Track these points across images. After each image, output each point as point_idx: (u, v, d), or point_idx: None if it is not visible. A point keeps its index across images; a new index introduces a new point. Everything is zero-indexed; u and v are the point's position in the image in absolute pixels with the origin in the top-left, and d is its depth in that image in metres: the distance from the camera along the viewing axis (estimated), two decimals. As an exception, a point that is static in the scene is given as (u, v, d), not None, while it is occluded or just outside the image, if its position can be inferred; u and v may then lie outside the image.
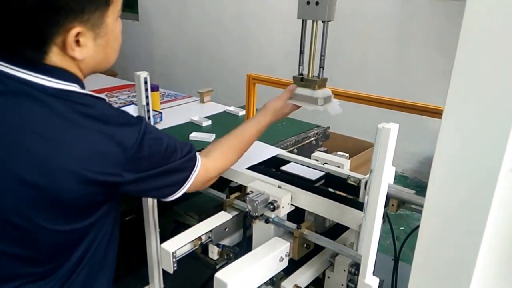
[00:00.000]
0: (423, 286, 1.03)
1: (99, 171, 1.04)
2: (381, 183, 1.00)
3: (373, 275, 1.45)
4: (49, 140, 1.02)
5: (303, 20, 1.42)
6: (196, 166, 1.26)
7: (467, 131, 0.86)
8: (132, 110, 2.82)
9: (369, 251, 1.07)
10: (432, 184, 0.94)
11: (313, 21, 1.40)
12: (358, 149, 3.66)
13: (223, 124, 2.92)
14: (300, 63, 1.48)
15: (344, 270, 1.32)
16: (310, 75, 1.46)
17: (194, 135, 2.69)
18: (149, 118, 1.44)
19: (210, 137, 2.63)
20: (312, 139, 2.80)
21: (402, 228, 3.40)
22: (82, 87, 1.11)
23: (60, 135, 1.02)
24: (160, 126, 2.85)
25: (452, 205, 0.93)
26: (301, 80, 1.47)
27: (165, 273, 1.70)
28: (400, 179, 4.54)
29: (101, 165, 1.04)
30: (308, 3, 1.35)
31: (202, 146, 2.36)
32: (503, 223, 0.91)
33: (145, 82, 1.40)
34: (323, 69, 1.44)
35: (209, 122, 2.93)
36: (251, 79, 1.90)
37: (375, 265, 1.44)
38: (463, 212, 0.92)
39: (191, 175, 1.25)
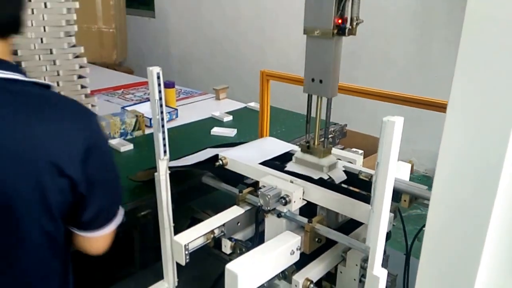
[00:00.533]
0: (431, 279, 1.04)
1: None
2: (387, 175, 1.01)
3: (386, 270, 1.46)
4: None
5: (308, 94, 1.50)
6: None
7: (471, 125, 0.86)
8: (147, 107, 2.88)
9: (377, 242, 1.08)
10: (438, 178, 0.94)
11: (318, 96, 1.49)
12: (377, 147, 3.63)
13: (244, 120, 2.95)
14: (307, 131, 1.58)
15: (356, 265, 1.32)
16: (316, 143, 1.54)
17: (216, 130, 2.73)
18: (162, 112, 1.44)
19: (231, 132, 2.66)
20: (329, 136, 2.80)
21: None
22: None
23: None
24: (177, 123, 2.87)
25: (458, 199, 0.93)
26: (307, 148, 1.54)
27: (179, 268, 1.71)
28: (422, 179, 4.50)
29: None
30: (313, 80, 1.44)
31: (223, 141, 2.41)
32: (509, 216, 0.91)
33: (158, 77, 1.41)
34: (327, 139, 1.53)
35: (230, 118, 2.98)
36: (264, 75, 1.91)
37: (387, 260, 1.45)
38: (469, 206, 0.92)
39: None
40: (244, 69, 5.46)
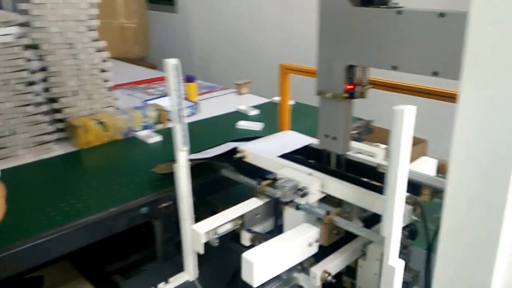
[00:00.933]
0: (448, 274, 1.03)
1: None
2: (399, 164, 1.01)
3: (408, 266, 1.45)
4: None
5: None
6: None
7: (482, 119, 0.86)
8: (167, 101, 2.89)
9: (391, 232, 1.07)
10: (452, 173, 0.94)
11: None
12: None
13: (270, 114, 2.94)
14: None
15: (377, 259, 1.31)
16: None
17: (242, 124, 2.75)
18: (180, 103, 1.45)
19: (258, 126, 2.66)
20: (354, 132, 2.75)
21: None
22: None
23: None
24: (198, 117, 2.88)
25: (472, 193, 0.93)
26: None
27: (199, 260, 1.72)
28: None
29: None
30: (327, 136, 1.49)
31: (250, 134, 2.42)
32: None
33: (176, 69, 1.42)
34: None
35: (256, 112, 2.99)
36: (284, 68, 1.90)
37: (409, 255, 1.44)
38: (482, 200, 0.92)
39: None
40: (266, 64, 5.43)
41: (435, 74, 1.21)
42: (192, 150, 1.57)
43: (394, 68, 1.27)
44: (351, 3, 1.34)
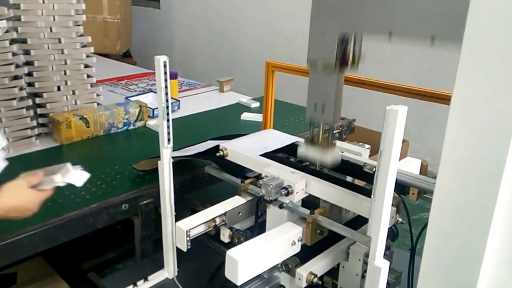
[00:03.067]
0: (433, 277, 1.04)
1: None
2: (390, 164, 1.01)
3: (390, 267, 1.46)
4: None
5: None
6: None
7: (475, 119, 0.86)
8: (151, 98, 2.87)
9: (379, 233, 1.08)
10: (441, 174, 0.94)
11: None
12: None
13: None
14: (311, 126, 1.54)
15: (359, 260, 1.32)
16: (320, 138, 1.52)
17: (245, 116, 2.83)
18: (167, 100, 1.45)
19: (260, 117, 2.70)
20: (335, 131, 2.75)
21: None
22: None
23: None
24: (178, 114, 2.87)
25: (461, 195, 0.93)
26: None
27: (179, 258, 1.72)
28: (436, 179, 4.41)
29: None
30: (316, 107, 1.47)
31: (253, 125, 2.47)
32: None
33: (165, 66, 1.41)
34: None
35: (257, 104, 3.05)
36: (270, 66, 1.89)
37: (391, 256, 1.45)
38: (472, 203, 0.92)
39: None
40: (248, 62, 5.41)
41: (433, 39, 1.14)
42: (176, 148, 1.56)
43: (390, 34, 1.21)
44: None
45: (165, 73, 1.42)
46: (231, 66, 5.48)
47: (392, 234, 1.48)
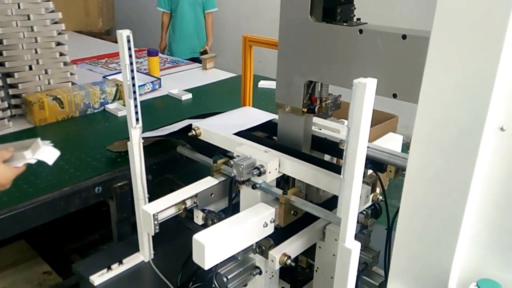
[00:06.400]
0: (407, 252, 1.00)
1: None
2: (359, 140, 0.95)
3: (367, 246, 1.41)
4: None
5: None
6: None
7: (448, 89, 0.83)
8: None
9: (348, 213, 1.02)
10: (414, 145, 0.90)
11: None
12: (376, 120, 3.50)
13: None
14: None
15: (336, 240, 1.27)
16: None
17: (263, 83, 2.91)
18: (133, 78, 1.38)
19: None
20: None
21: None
22: None
23: None
24: (161, 93, 2.81)
25: (435, 167, 0.89)
26: None
27: (155, 241, 1.67)
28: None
29: None
30: None
31: (271, 93, 2.34)
32: (494, 183, 0.86)
33: (128, 41, 1.34)
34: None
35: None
36: (247, 40, 1.84)
37: (370, 236, 1.40)
38: (446, 174, 0.88)
39: None
40: (231, 38, 5.35)
41: (394, 96, 1.20)
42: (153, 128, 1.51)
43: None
44: (313, 18, 1.31)
45: (129, 48, 1.35)
46: (214, 43, 5.39)
47: (375, 211, 1.43)
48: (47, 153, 1.34)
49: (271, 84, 2.71)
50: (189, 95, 2.80)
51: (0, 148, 1.28)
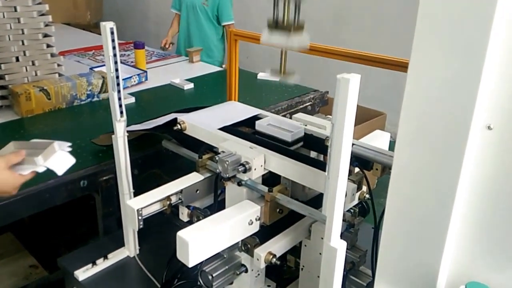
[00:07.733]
0: (394, 252, 0.99)
1: None
2: (343, 137, 0.93)
3: (354, 245, 1.40)
4: None
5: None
6: None
7: (433, 87, 0.82)
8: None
9: (333, 211, 1.00)
10: (400, 143, 0.90)
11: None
12: (364, 117, 3.48)
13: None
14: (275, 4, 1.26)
15: (322, 238, 1.25)
16: (285, 19, 1.26)
17: (262, 75, 2.93)
18: (117, 70, 1.36)
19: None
20: (308, 104, 2.68)
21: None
22: None
23: None
24: (146, 86, 2.79)
25: (421, 165, 0.88)
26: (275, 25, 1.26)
27: (141, 236, 1.65)
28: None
29: None
30: None
31: (269, 84, 2.50)
32: (482, 182, 0.85)
33: (112, 33, 1.33)
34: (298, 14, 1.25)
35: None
36: (232, 35, 1.82)
37: (357, 234, 1.39)
38: (433, 173, 0.87)
39: None
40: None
41: None
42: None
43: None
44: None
45: (113, 40, 1.33)
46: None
47: (363, 210, 1.42)
48: (60, 161, 1.31)
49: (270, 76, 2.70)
50: (191, 85, 2.82)
51: (13, 150, 1.27)
